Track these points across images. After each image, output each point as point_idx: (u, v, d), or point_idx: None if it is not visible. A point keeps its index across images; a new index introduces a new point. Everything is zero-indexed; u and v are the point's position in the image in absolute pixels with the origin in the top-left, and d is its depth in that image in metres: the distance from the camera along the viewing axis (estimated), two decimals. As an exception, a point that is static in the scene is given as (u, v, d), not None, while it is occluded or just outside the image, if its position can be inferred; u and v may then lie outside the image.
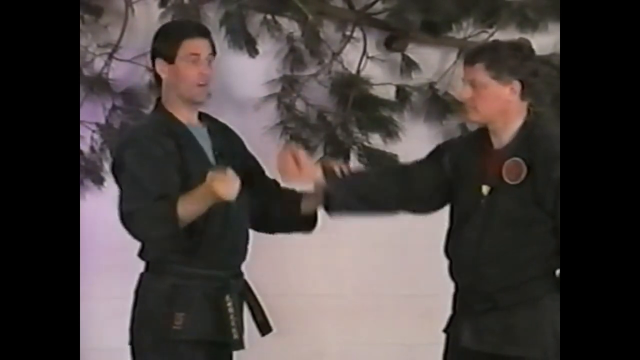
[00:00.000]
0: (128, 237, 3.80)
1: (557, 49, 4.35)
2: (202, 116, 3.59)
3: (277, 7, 4.36)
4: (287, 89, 4.50)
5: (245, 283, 3.58)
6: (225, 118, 4.26)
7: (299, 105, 4.52)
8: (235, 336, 3.44)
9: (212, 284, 3.44)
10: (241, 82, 4.54)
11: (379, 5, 4.48)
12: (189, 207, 3.31)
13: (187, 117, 3.50)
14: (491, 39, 4.35)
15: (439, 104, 4.50)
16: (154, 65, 3.53)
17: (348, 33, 4.46)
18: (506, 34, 4.29)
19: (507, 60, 3.44)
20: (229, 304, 3.44)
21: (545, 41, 4.36)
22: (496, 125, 3.48)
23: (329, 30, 4.46)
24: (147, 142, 3.56)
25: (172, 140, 3.48)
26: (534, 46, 3.81)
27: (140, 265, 3.81)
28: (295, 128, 4.50)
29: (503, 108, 3.44)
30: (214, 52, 3.56)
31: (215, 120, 3.65)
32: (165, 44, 3.53)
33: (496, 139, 3.49)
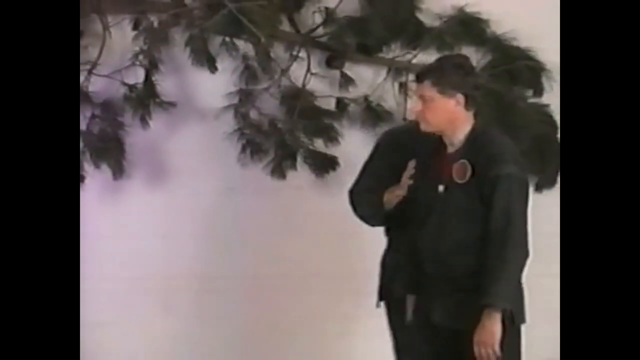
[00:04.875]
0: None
1: None
2: None
3: (234, 30, 4.47)
4: (243, 100, 4.67)
5: None
6: (190, 125, 4.74)
7: (253, 114, 4.70)
8: None
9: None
10: (203, 95, 4.74)
11: (320, 30, 4.71)
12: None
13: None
14: (414, 59, 4.66)
15: (372, 114, 4.72)
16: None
17: (295, 53, 4.68)
18: (427, 55, 4.55)
19: (451, 76, 3.58)
20: None
21: None
22: (446, 133, 3.60)
23: (278, 51, 4.65)
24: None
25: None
26: None
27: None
28: (250, 134, 4.69)
29: (450, 118, 3.56)
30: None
31: None
32: None
33: (449, 144, 3.62)
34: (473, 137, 3.58)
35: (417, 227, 3.60)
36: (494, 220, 3.47)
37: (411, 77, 4.09)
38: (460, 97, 3.55)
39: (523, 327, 3.65)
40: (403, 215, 3.69)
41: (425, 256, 3.58)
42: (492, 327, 3.42)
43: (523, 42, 4.73)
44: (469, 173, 3.52)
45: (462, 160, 3.53)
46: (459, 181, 3.53)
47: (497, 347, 3.41)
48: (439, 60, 3.80)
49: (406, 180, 3.63)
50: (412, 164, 3.67)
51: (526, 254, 3.52)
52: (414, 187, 3.65)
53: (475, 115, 3.61)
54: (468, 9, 4.70)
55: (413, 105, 3.57)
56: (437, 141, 3.65)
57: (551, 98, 4.66)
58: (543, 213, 4.03)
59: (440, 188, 3.57)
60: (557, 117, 4.66)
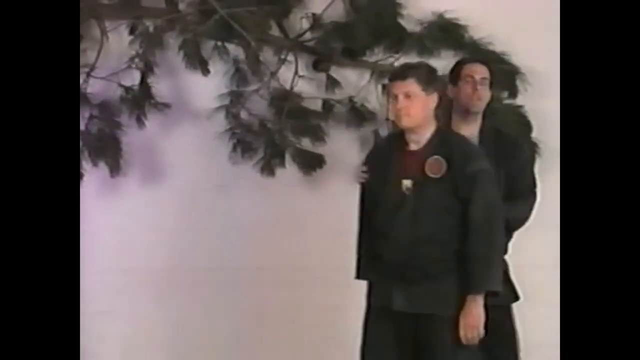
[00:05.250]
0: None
1: (446, 71, 4.29)
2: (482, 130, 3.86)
3: (226, 35, 4.54)
4: (234, 101, 4.72)
5: None
6: (183, 125, 4.78)
7: (244, 115, 4.74)
8: None
9: None
10: (196, 96, 4.78)
11: (308, 35, 4.75)
12: None
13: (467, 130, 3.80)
14: (397, 62, 4.63)
15: (356, 114, 4.77)
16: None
17: (283, 57, 4.71)
18: (409, 59, 4.55)
19: (429, 77, 3.65)
20: None
21: (440, 64, 4.29)
22: (418, 130, 3.63)
23: (267, 55, 4.68)
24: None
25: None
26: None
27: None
28: (241, 134, 4.73)
29: (427, 115, 3.62)
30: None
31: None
32: (452, 72, 3.91)
33: (413, 142, 3.64)
34: (440, 136, 3.64)
35: (387, 219, 3.62)
36: (477, 211, 3.55)
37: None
38: (436, 97, 3.63)
39: (519, 310, 3.85)
40: (370, 208, 3.72)
41: (395, 246, 3.60)
42: (478, 310, 3.53)
43: (498, 47, 4.73)
44: (444, 168, 3.59)
45: (436, 156, 3.59)
46: (433, 176, 3.59)
47: (482, 329, 3.53)
48: (414, 63, 3.86)
49: (359, 176, 3.72)
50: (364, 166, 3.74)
51: (506, 240, 3.66)
52: (377, 181, 3.68)
53: (438, 117, 3.66)
54: (447, 15, 4.73)
55: (398, 101, 3.58)
56: (398, 139, 3.69)
57: (525, 99, 4.69)
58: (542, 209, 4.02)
59: (407, 183, 3.60)
60: (530, 118, 4.70)
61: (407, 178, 3.62)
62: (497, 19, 4.69)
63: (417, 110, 3.61)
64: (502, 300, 3.67)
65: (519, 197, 3.83)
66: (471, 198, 3.57)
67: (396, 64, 4.64)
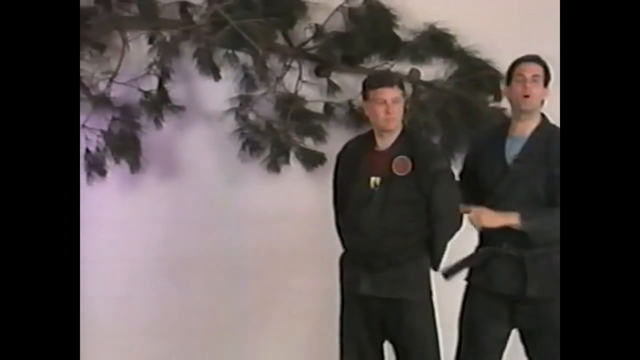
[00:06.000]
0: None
1: (439, 76, 4.79)
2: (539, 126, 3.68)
3: (236, 44, 4.59)
4: (243, 104, 4.77)
5: None
6: (197, 126, 4.84)
7: (252, 116, 4.78)
8: None
9: None
10: (208, 100, 4.83)
11: (310, 44, 4.79)
12: None
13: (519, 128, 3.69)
14: (392, 69, 4.72)
15: (355, 116, 4.79)
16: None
17: (288, 63, 4.77)
18: (403, 66, 4.72)
19: (402, 82, 3.82)
20: None
21: (431, 71, 4.79)
22: (391, 131, 3.73)
23: (274, 62, 4.73)
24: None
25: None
26: (423, 74, 4.46)
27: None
28: (249, 134, 4.78)
29: (401, 118, 3.78)
30: None
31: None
32: (508, 73, 3.73)
33: (382, 142, 3.76)
34: (405, 137, 3.74)
35: (357, 213, 3.72)
36: (438, 204, 3.72)
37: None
38: (403, 101, 3.77)
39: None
40: (341, 203, 3.83)
41: (363, 236, 3.70)
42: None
43: (484, 55, 4.78)
44: (409, 167, 3.70)
45: (401, 156, 3.71)
46: (399, 174, 3.69)
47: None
48: (383, 71, 4.04)
49: None
50: None
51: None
52: (348, 178, 3.78)
53: (403, 120, 3.78)
54: (438, 26, 4.78)
55: (393, 105, 3.66)
56: (368, 140, 3.79)
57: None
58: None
59: (375, 180, 3.70)
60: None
61: (375, 175, 3.73)
62: (483, 30, 4.72)
63: (400, 114, 3.78)
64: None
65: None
66: (433, 193, 3.69)
67: (392, 70, 4.74)
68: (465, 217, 3.73)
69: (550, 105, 3.72)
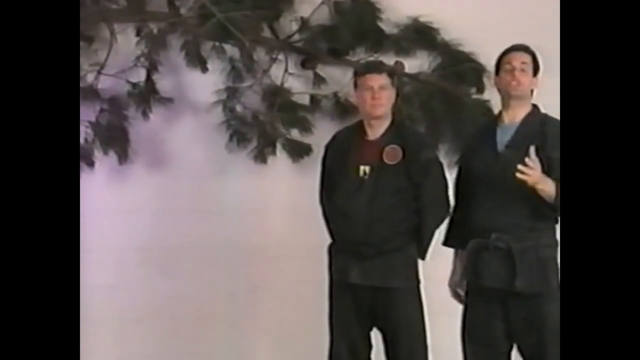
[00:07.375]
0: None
1: (423, 69, 4.87)
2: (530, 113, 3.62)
3: (223, 36, 4.60)
4: (230, 96, 4.81)
5: None
6: (185, 118, 4.87)
7: (239, 108, 4.83)
8: None
9: None
10: (196, 91, 4.86)
11: (296, 36, 4.85)
12: None
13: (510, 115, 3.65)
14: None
15: (341, 108, 4.87)
16: None
17: (274, 56, 4.82)
18: (387, 58, 4.71)
19: (392, 73, 3.84)
20: None
21: (415, 63, 4.87)
22: (379, 119, 3.75)
23: (260, 54, 4.77)
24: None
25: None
26: (407, 66, 4.51)
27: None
28: (236, 125, 4.82)
29: (390, 107, 3.79)
30: None
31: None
32: (496, 64, 3.69)
33: (371, 132, 3.78)
34: (395, 127, 3.78)
35: (347, 201, 3.74)
36: (427, 192, 3.75)
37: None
38: (395, 92, 3.80)
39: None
40: (329, 191, 3.84)
41: (352, 225, 3.72)
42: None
43: (467, 48, 4.84)
44: (400, 156, 3.73)
45: (393, 145, 3.73)
46: (390, 163, 3.72)
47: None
48: (374, 60, 4.04)
49: None
50: None
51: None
52: (337, 167, 3.80)
53: (394, 111, 3.80)
54: (422, 19, 4.85)
55: (381, 91, 3.68)
56: (358, 129, 3.82)
57: (491, 94, 4.58)
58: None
59: (365, 168, 3.72)
60: (495, 110, 4.52)
61: (364, 164, 3.75)
62: (466, 23, 4.79)
63: (388, 101, 3.78)
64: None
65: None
66: (423, 182, 3.73)
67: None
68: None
69: (550, 102, 3.74)
